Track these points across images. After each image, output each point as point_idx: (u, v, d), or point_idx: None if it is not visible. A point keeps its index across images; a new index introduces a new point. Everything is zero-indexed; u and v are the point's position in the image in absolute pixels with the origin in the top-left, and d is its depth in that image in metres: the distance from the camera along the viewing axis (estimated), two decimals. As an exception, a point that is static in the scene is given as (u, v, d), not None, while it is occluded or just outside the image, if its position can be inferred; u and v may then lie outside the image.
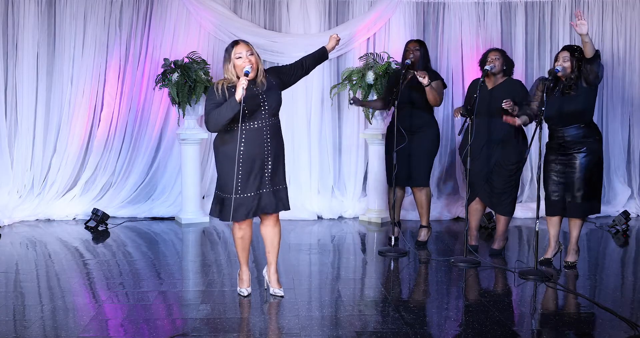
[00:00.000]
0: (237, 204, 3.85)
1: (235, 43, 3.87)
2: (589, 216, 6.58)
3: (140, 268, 4.81)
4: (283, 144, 4.02)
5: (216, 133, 3.94)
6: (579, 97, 4.62)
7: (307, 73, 4.16)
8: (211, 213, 4.01)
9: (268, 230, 4.05)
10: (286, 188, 4.04)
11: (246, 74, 3.75)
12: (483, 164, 5.11)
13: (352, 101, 5.58)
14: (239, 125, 3.75)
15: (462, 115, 5.06)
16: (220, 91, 3.82)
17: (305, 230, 6.19)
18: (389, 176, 5.51)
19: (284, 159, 4.02)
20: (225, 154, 3.87)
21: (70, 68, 6.62)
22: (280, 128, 4.00)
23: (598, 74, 4.53)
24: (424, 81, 5.07)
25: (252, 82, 3.84)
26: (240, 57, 3.82)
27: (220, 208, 3.94)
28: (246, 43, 3.89)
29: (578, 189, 4.68)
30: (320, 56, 4.18)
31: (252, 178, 3.86)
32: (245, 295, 4.06)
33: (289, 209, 4.05)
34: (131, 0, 6.67)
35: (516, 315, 3.85)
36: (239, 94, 3.67)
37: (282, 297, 4.03)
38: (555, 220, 4.85)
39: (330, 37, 4.21)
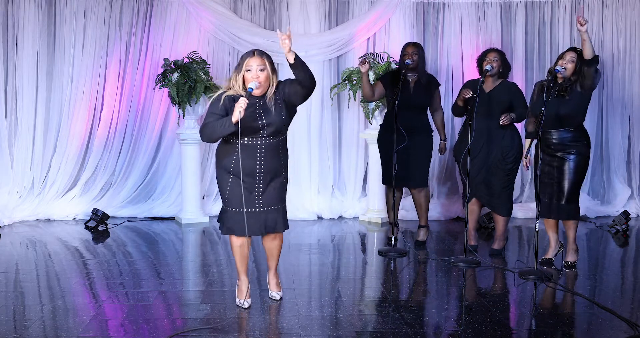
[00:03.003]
0: (227, 218, 3.79)
1: (252, 54, 3.64)
2: (589, 216, 6.61)
3: (140, 268, 4.81)
4: (282, 165, 3.81)
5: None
6: (571, 101, 4.61)
7: (303, 86, 3.64)
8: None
9: (267, 240, 3.94)
10: (281, 208, 3.84)
11: (249, 92, 3.58)
12: (481, 164, 5.11)
13: (364, 59, 5.41)
14: (234, 140, 3.64)
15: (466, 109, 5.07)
16: (222, 103, 3.65)
17: (305, 230, 6.19)
18: (385, 176, 5.51)
19: (282, 179, 3.83)
20: (219, 164, 3.80)
21: (70, 68, 6.61)
22: (280, 147, 3.78)
23: (594, 80, 4.52)
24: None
25: (260, 98, 3.68)
26: (249, 70, 3.62)
27: (222, 219, 3.87)
28: (262, 55, 3.64)
29: (567, 191, 4.68)
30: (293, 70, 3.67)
31: (241, 192, 3.69)
32: (245, 307, 3.85)
33: (282, 231, 3.86)
34: (131, 0, 6.67)
35: (516, 315, 3.85)
36: (236, 116, 3.49)
37: (278, 300, 3.99)
38: (551, 221, 4.85)
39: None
